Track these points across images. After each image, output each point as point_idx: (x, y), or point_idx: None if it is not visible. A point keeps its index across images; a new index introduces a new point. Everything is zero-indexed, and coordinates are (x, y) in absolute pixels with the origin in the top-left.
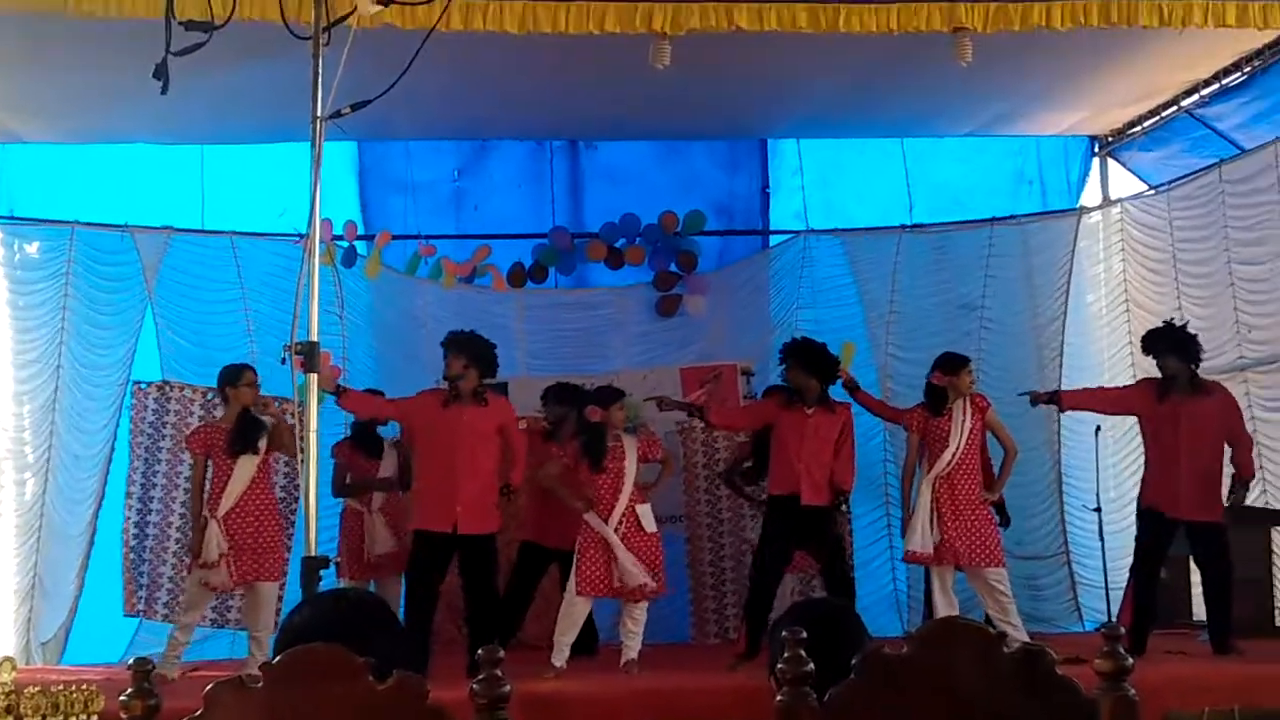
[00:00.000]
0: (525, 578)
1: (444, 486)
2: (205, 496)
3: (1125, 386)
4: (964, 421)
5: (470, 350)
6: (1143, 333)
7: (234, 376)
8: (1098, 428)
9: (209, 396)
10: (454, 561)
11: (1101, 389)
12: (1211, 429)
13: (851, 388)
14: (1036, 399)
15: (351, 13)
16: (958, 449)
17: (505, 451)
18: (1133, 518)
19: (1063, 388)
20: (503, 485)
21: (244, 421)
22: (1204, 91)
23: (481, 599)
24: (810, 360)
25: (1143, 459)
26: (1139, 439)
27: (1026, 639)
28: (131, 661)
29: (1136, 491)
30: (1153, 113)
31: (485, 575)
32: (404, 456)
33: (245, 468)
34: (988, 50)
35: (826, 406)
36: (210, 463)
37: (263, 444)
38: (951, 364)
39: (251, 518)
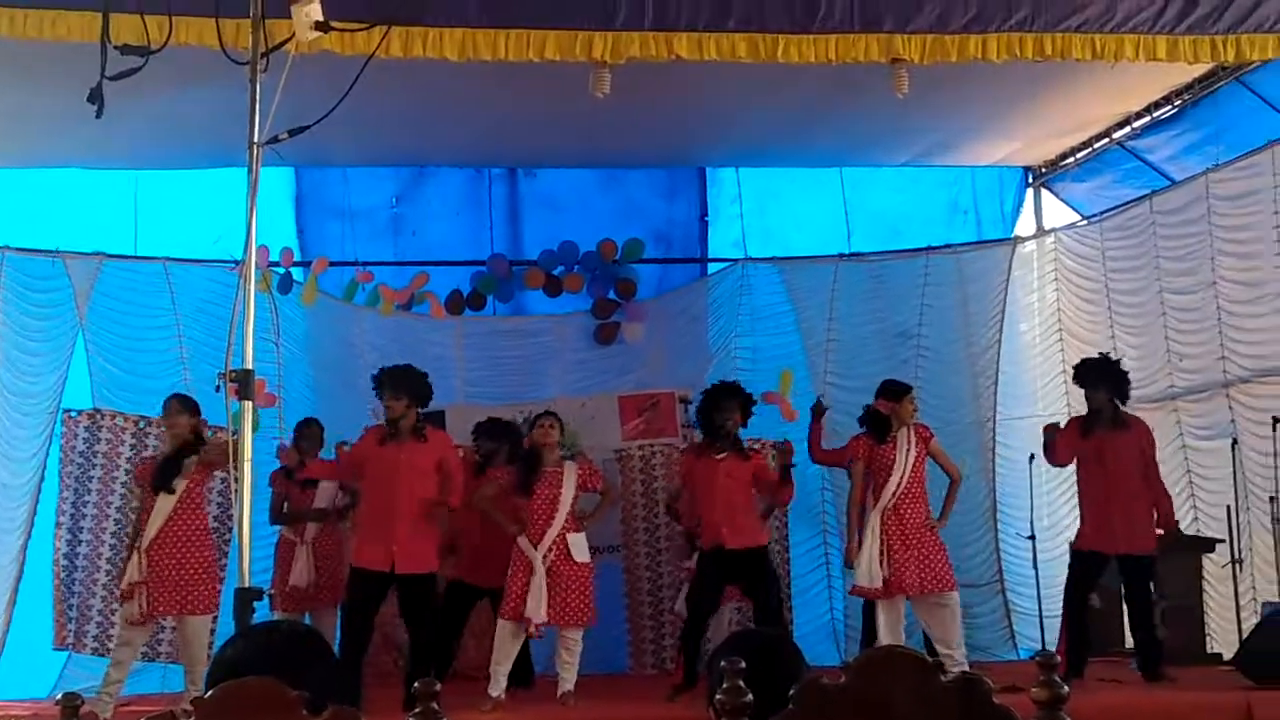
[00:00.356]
0: (454, 612)
1: (382, 524)
2: None
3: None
4: (908, 450)
5: (408, 388)
6: (1076, 361)
7: (164, 409)
8: (1031, 456)
9: (140, 425)
10: (391, 594)
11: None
12: (1134, 461)
13: (818, 412)
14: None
15: (290, 38)
16: (903, 477)
17: (444, 482)
18: (1065, 546)
19: (997, 415)
20: (440, 502)
21: (164, 459)
22: (1135, 124)
23: (424, 639)
24: (741, 397)
25: (1075, 488)
26: (1071, 468)
27: (967, 667)
28: (60, 696)
29: (1070, 519)
30: (1085, 144)
31: (425, 614)
32: (344, 488)
33: (165, 502)
34: (924, 81)
35: (738, 453)
36: (145, 495)
37: (179, 483)
38: (894, 391)
39: (173, 550)
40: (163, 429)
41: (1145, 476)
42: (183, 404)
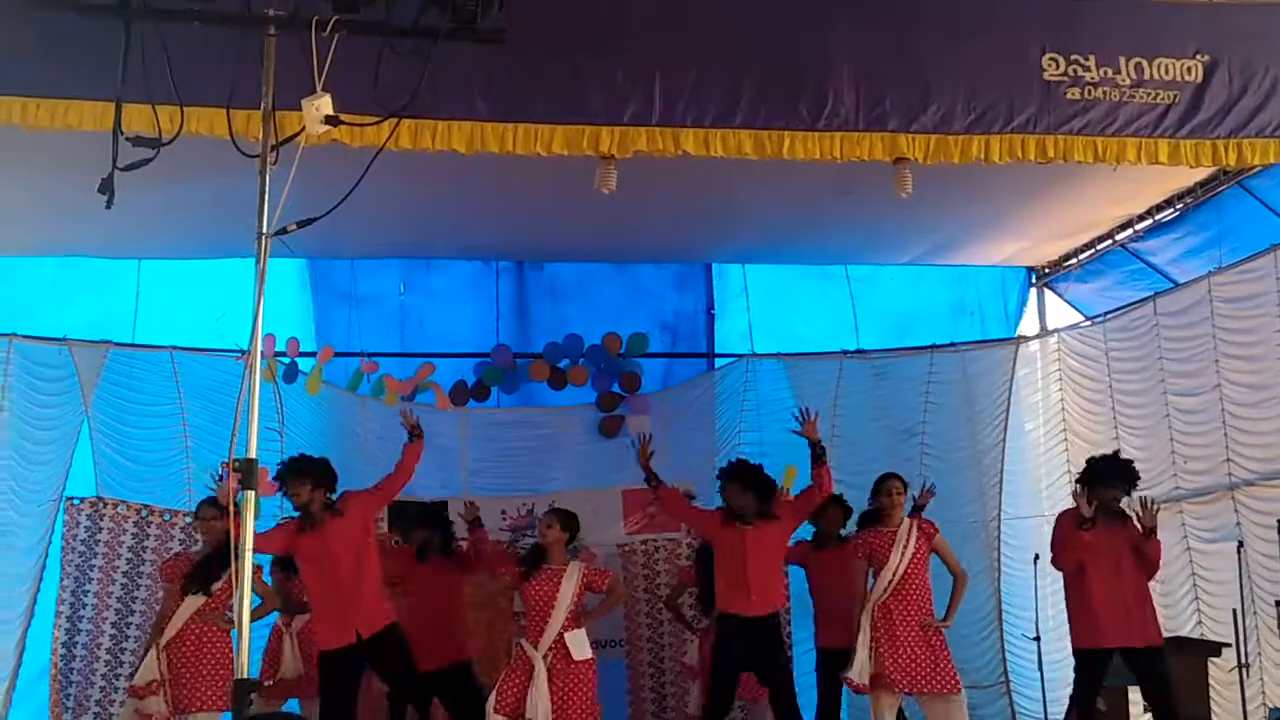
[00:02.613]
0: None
1: (337, 605)
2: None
3: (1056, 534)
4: (905, 545)
5: (312, 473)
6: (1081, 462)
7: (197, 511)
8: (1036, 556)
9: (142, 514)
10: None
11: (1056, 560)
12: (1138, 552)
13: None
14: None
15: (300, 131)
16: (896, 573)
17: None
18: (1069, 647)
19: (1002, 514)
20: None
21: (205, 561)
22: (1138, 226)
23: (405, 684)
24: (747, 478)
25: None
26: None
27: None
28: None
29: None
30: (1088, 245)
31: (400, 663)
32: None
33: (193, 602)
34: (928, 181)
35: (766, 518)
36: (171, 592)
37: (219, 585)
38: (876, 486)
39: (191, 648)
40: (165, 519)
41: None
42: (215, 506)
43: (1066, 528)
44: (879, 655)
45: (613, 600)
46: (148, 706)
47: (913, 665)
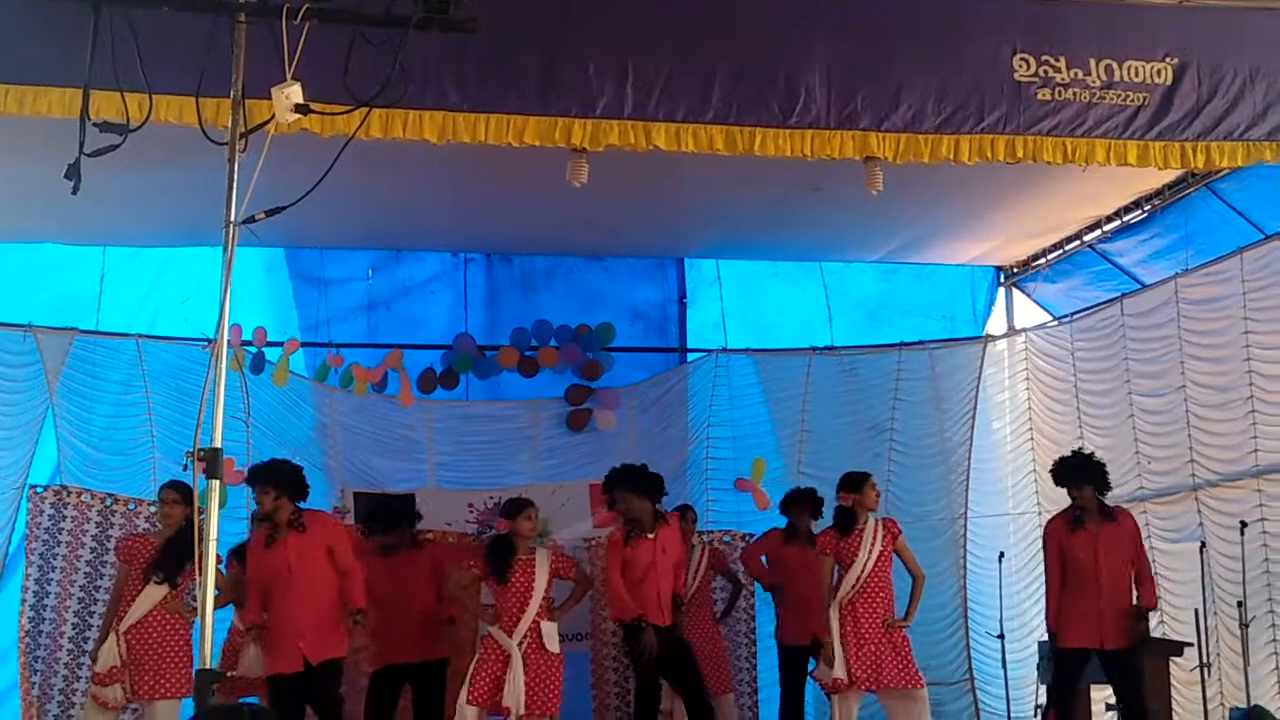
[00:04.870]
0: (381, 705)
1: (288, 626)
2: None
3: (1046, 553)
4: (873, 544)
5: (277, 480)
6: (1047, 461)
7: (159, 493)
8: (1001, 554)
9: (106, 503)
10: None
11: (1049, 582)
12: (1126, 553)
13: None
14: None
15: (270, 120)
16: (863, 571)
17: (339, 571)
18: (1034, 646)
19: (968, 511)
20: (353, 611)
21: (169, 549)
22: (1106, 227)
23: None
24: (636, 482)
25: (1044, 583)
26: (1040, 567)
27: None
28: None
29: (1039, 620)
30: (1056, 246)
31: (333, 701)
32: None
33: (156, 590)
34: (898, 180)
35: (663, 521)
36: (130, 573)
37: (183, 579)
38: (853, 482)
39: (154, 634)
40: (130, 508)
41: (1135, 565)
42: (176, 490)
43: (1051, 528)
44: (848, 654)
45: (581, 591)
46: (106, 694)
47: (877, 662)
